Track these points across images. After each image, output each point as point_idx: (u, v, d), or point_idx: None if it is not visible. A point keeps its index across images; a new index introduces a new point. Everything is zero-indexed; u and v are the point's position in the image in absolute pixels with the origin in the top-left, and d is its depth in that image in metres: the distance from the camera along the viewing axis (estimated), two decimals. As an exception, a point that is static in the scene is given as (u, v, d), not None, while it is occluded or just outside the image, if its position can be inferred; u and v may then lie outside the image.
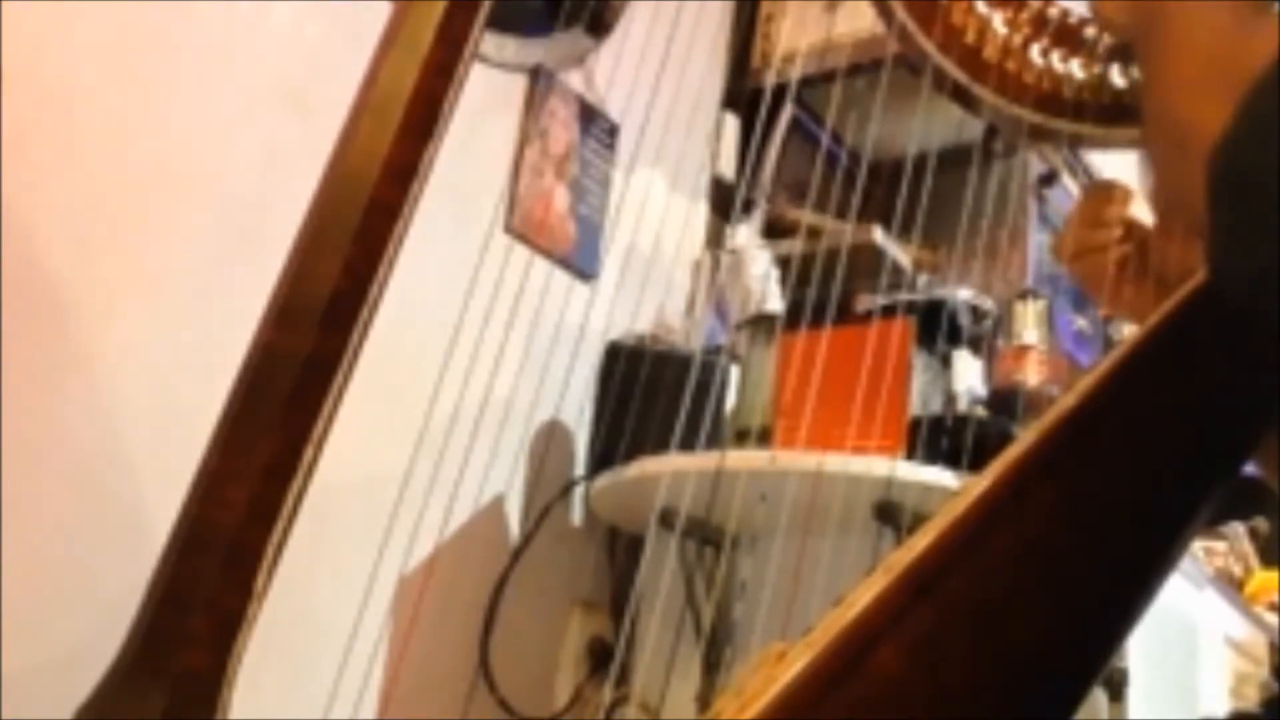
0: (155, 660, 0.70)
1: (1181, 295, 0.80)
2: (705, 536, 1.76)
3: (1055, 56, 0.91)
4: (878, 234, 2.28)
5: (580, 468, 2.07)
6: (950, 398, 2.08)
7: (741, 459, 1.74)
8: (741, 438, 1.87)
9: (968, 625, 0.66)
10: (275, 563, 0.73)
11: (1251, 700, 2.24)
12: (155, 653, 0.70)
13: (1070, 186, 2.59)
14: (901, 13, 0.91)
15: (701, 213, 2.42)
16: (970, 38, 0.92)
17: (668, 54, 1.72)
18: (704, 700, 1.70)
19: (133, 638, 0.71)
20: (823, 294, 1.66)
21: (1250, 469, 0.82)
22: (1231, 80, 0.66)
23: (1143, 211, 0.96)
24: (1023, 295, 2.29)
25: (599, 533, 2.12)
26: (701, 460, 1.70)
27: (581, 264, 2.13)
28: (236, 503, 0.71)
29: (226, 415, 0.73)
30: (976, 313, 2.19)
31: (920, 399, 1.98)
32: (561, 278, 2.07)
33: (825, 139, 2.35)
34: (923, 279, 2.33)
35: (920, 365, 2.01)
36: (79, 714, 0.71)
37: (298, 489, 0.73)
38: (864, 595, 0.68)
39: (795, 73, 2.22)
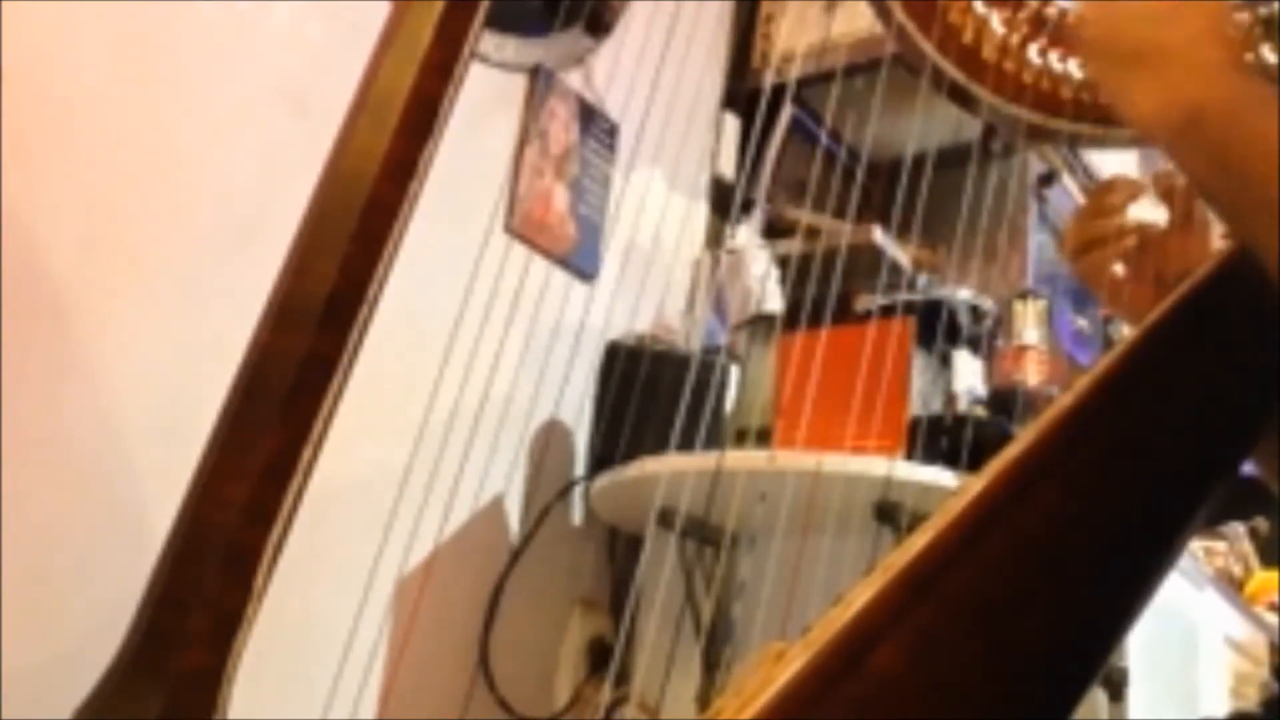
0: (154, 660, 0.70)
1: (1179, 297, 0.80)
2: (704, 536, 1.76)
3: (1054, 56, 0.91)
4: (877, 233, 2.28)
5: (580, 467, 2.07)
6: (950, 397, 2.08)
7: (740, 459, 1.74)
8: (741, 437, 1.87)
9: (966, 624, 0.66)
10: (274, 562, 0.73)
11: (1251, 700, 2.23)
12: (154, 652, 0.70)
13: (1070, 186, 2.59)
14: (900, 12, 0.92)
15: (701, 212, 2.42)
16: (968, 37, 0.92)
17: (667, 54, 1.72)
18: (704, 700, 1.70)
19: (132, 637, 0.71)
20: (822, 294, 1.67)
21: (1250, 469, 0.82)
22: None
23: (1146, 211, 0.96)
24: (1023, 295, 2.29)
25: (599, 532, 2.12)
26: (700, 460, 1.69)
27: (581, 264, 2.13)
28: (235, 502, 0.71)
29: (225, 415, 0.73)
30: (976, 312, 2.19)
31: (920, 399, 1.98)
32: (561, 277, 2.06)
33: (825, 139, 2.35)
34: (922, 279, 2.33)
35: (920, 365, 2.00)
36: (78, 713, 0.71)
37: (296, 488, 0.73)
38: (863, 595, 0.68)
39: (794, 72, 2.22)
